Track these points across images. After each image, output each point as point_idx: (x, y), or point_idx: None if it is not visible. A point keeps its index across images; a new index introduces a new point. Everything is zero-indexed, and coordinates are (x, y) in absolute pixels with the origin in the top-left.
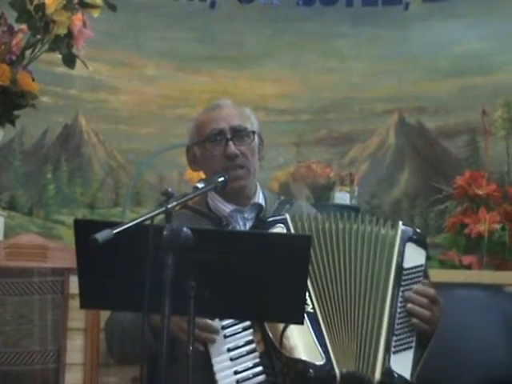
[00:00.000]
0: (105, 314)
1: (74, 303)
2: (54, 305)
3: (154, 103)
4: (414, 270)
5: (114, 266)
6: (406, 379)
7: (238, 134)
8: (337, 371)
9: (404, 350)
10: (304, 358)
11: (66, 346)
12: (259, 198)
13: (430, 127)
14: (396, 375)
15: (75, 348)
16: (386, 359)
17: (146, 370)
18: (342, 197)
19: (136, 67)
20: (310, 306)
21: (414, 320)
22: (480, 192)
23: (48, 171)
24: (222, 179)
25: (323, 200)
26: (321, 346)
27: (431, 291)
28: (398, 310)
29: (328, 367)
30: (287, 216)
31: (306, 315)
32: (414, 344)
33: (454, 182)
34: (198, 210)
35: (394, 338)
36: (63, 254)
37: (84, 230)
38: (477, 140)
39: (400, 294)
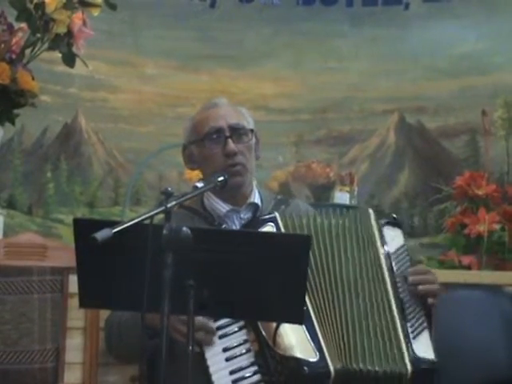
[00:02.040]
0: (104, 314)
1: (74, 302)
2: (54, 304)
3: (154, 102)
4: (400, 252)
5: (114, 265)
6: (432, 361)
7: (237, 132)
8: (331, 368)
9: (420, 332)
10: (298, 355)
11: (65, 345)
12: (255, 198)
13: (429, 127)
14: (424, 360)
15: (74, 347)
16: (410, 348)
17: (144, 370)
18: (341, 197)
19: (136, 66)
20: None
21: (430, 299)
22: (480, 192)
23: (47, 170)
24: (221, 179)
25: (323, 200)
26: (314, 342)
27: (423, 266)
28: (402, 295)
29: (322, 364)
30: (277, 214)
31: None
32: (426, 324)
33: (453, 182)
34: (193, 209)
35: (409, 324)
36: (62, 253)
37: (83, 229)
38: (477, 140)
39: (397, 279)
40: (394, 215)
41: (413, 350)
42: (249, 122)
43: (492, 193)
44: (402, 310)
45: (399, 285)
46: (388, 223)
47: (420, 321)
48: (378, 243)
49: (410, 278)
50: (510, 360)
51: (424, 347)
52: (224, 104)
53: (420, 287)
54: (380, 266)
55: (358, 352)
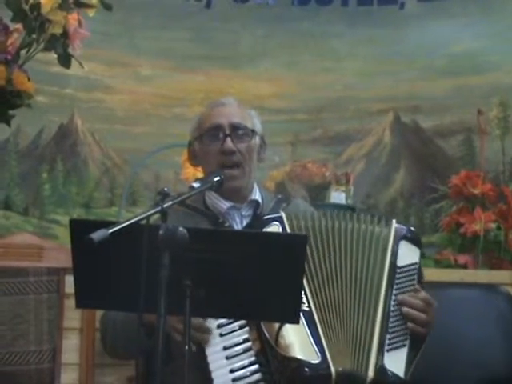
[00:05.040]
0: (100, 314)
1: (70, 303)
2: (50, 304)
3: (150, 103)
4: (408, 269)
5: (110, 266)
6: (399, 377)
7: (237, 131)
8: (332, 370)
9: (397, 348)
10: (299, 356)
11: (61, 346)
12: (256, 195)
13: (425, 126)
14: (389, 373)
15: (71, 348)
16: (380, 357)
17: (141, 369)
18: (337, 196)
19: (131, 67)
20: (306, 305)
21: (410, 324)
22: (475, 191)
23: (43, 171)
24: (217, 179)
25: (319, 199)
26: (316, 344)
27: (425, 294)
28: (392, 309)
29: (323, 366)
30: (283, 214)
31: (301, 314)
32: (407, 343)
33: (449, 181)
34: (195, 208)
35: (388, 336)
36: (59, 254)
37: (79, 229)
38: (472, 139)
39: (394, 292)
40: (418, 235)
41: (382, 360)
42: (254, 124)
43: (488, 192)
44: (385, 321)
45: (393, 298)
46: (407, 238)
47: (401, 338)
48: (388, 253)
49: (400, 297)
50: (506, 358)
51: (395, 362)
52: (231, 104)
53: (405, 308)
54: (381, 276)
55: (341, 354)
